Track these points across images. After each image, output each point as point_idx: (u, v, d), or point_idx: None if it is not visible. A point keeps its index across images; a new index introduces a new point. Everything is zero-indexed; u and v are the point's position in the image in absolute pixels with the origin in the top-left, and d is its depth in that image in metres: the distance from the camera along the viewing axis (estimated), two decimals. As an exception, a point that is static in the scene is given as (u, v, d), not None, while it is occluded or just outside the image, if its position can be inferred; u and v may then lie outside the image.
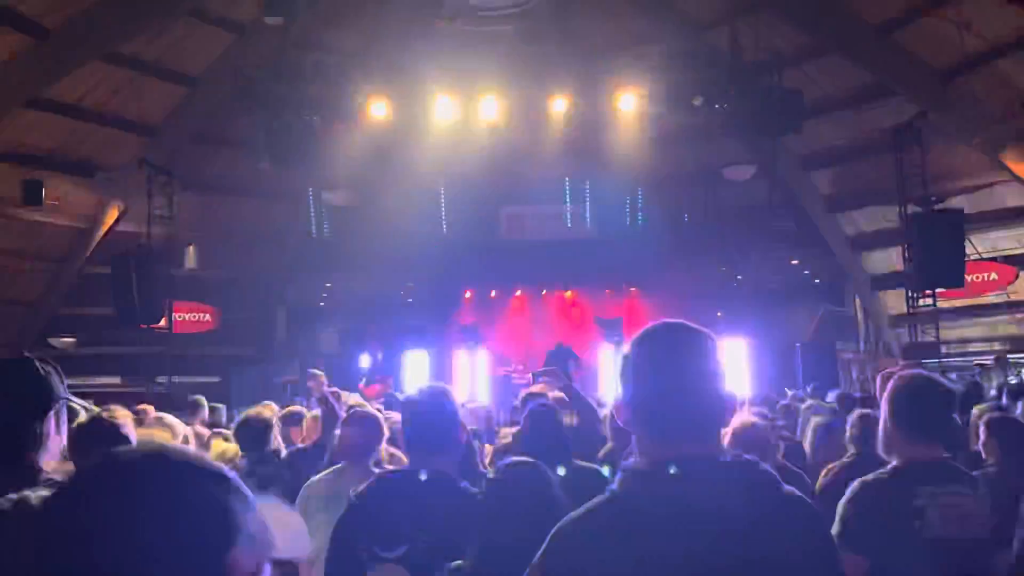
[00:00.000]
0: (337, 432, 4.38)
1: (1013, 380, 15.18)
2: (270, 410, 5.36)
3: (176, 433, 4.53)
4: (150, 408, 5.65)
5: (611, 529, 1.58)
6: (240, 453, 4.98)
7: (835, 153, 16.44)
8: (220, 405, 8.96)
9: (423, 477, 2.74)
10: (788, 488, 1.67)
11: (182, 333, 15.29)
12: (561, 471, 3.07)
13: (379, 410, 5.46)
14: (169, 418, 4.90)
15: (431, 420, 2.89)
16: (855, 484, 2.70)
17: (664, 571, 1.53)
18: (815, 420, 5.36)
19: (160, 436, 4.25)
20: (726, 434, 3.62)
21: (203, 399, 8.33)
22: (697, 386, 1.65)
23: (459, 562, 2.56)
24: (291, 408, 6.76)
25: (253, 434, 4.88)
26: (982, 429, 3.91)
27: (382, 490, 2.88)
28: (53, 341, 16.54)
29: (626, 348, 1.75)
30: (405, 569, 2.67)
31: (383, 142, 15.06)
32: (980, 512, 2.58)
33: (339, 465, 4.14)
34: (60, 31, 12.45)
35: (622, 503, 1.62)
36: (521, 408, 5.01)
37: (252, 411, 5.14)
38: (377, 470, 3.52)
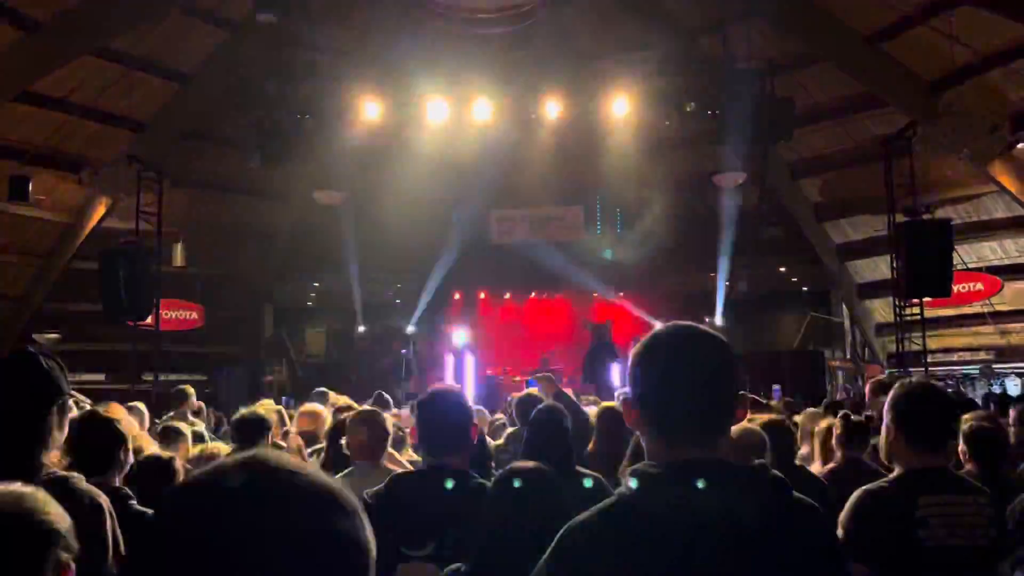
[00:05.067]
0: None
1: (997, 389, 15.35)
2: (266, 409, 5.19)
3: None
4: (141, 406, 5.58)
5: (619, 533, 1.57)
6: (228, 452, 4.89)
7: (824, 161, 16.52)
8: (200, 403, 8.65)
9: (449, 483, 2.79)
10: (798, 495, 1.66)
11: (169, 330, 15.18)
12: (588, 483, 3.09)
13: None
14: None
15: (447, 420, 2.93)
16: (857, 493, 2.69)
17: None
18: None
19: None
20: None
21: (190, 388, 7.92)
22: (706, 389, 1.64)
23: (457, 565, 2.54)
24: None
25: (248, 433, 4.76)
26: (961, 438, 3.93)
27: (402, 489, 2.91)
28: (37, 337, 16.39)
29: (636, 349, 1.73)
30: (434, 566, 2.70)
31: (374, 142, 15.02)
32: (982, 521, 2.58)
33: (352, 468, 4.07)
34: (50, 24, 12.35)
35: (630, 507, 1.59)
36: (516, 411, 5.01)
37: (249, 409, 5.03)
38: (399, 469, 3.54)
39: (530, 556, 1.73)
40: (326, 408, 7.13)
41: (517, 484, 2.48)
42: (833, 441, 4.72)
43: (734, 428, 3.84)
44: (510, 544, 2.32)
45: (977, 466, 3.64)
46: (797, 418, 6.09)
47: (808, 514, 1.66)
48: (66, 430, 2.26)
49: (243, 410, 4.88)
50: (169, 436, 5.00)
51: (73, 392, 2.32)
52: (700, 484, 1.56)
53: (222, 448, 5.17)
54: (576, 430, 5.00)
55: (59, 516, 1.41)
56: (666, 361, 1.66)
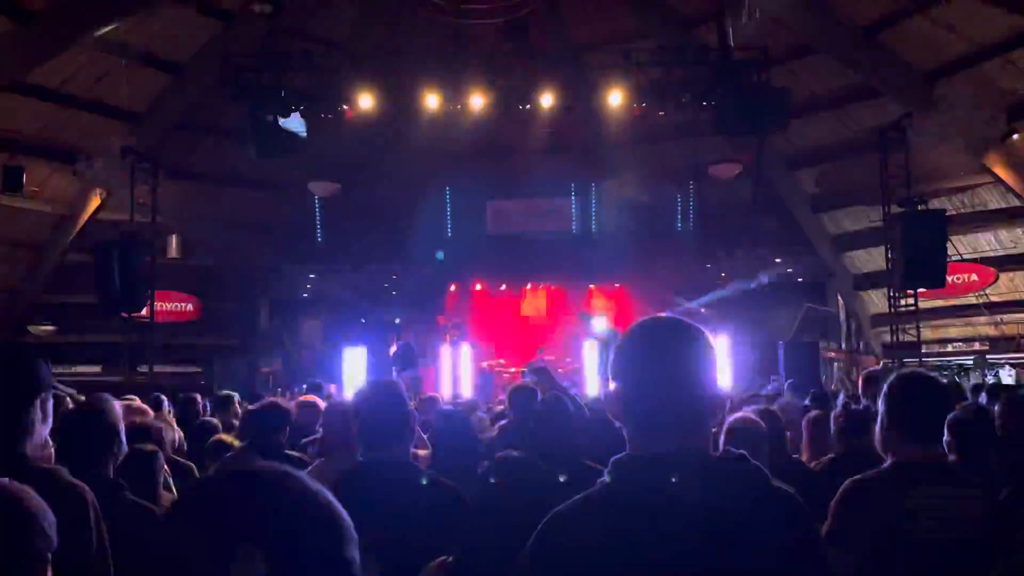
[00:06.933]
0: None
1: (990, 380, 15.37)
2: (285, 402, 5.12)
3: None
4: (135, 399, 5.56)
5: (599, 522, 1.58)
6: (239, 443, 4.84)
7: (820, 152, 16.52)
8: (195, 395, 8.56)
9: (424, 480, 2.76)
10: (777, 483, 1.67)
11: (164, 322, 15.16)
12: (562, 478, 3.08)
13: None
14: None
15: (383, 413, 2.90)
16: (847, 483, 2.69)
17: (651, 565, 1.53)
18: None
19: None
20: (720, 431, 3.63)
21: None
22: (688, 381, 1.65)
23: (445, 557, 2.53)
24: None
25: (261, 424, 4.70)
26: (945, 429, 3.92)
27: (345, 482, 2.88)
28: (32, 329, 16.38)
29: (619, 341, 1.74)
30: (375, 559, 2.66)
31: (369, 134, 14.98)
32: (973, 514, 2.57)
33: (320, 460, 4.02)
34: (44, 14, 12.29)
35: (611, 496, 1.61)
36: (510, 402, 5.00)
37: (268, 400, 4.96)
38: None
39: (518, 544, 1.74)
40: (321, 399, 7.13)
41: (503, 473, 2.47)
42: (833, 431, 4.72)
43: (733, 418, 3.85)
44: (499, 533, 2.31)
45: (961, 458, 3.63)
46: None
47: (785, 503, 1.66)
48: (50, 423, 2.24)
49: (265, 400, 4.83)
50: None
51: (58, 384, 2.30)
52: (675, 476, 1.57)
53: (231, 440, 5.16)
54: (575, 422, 5.02)
55: (40, 507, 1.41)
56: (645, 353, 1.68)
